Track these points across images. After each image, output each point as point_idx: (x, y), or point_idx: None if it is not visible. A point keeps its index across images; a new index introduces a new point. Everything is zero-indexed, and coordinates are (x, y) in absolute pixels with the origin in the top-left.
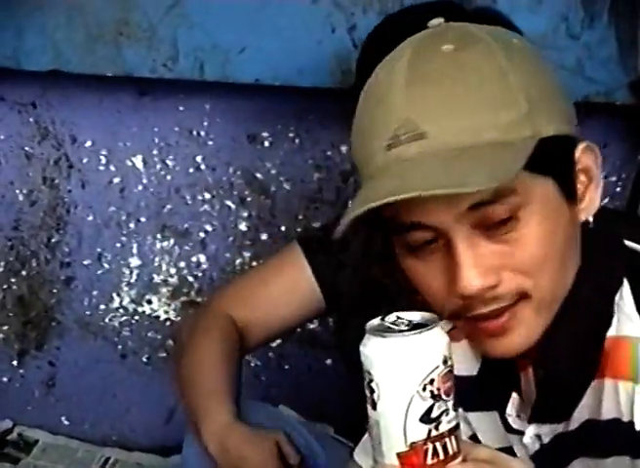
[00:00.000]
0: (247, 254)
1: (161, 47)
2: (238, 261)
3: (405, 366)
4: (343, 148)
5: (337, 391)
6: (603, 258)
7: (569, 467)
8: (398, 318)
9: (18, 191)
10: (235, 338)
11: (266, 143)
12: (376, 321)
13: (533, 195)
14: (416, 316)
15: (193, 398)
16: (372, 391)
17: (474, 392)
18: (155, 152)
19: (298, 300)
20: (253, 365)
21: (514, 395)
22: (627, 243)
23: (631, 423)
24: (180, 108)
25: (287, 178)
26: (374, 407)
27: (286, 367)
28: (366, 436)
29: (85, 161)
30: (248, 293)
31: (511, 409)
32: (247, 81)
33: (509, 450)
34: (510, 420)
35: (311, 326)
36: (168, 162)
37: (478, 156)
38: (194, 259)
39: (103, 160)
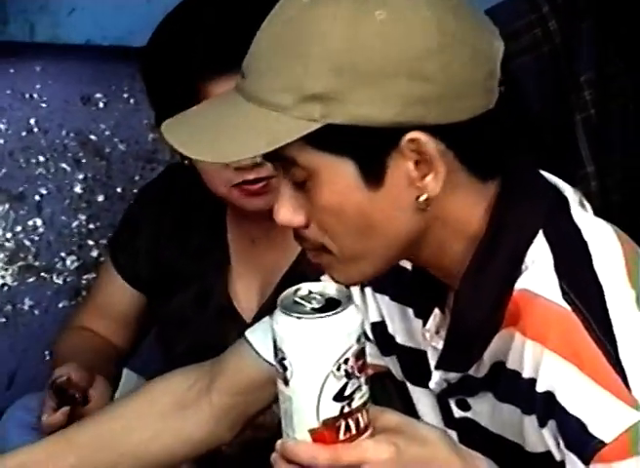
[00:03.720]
0: (83, 217)
1: None
2: (75, 224)
3: (320, 347)
4: None
5: None
6: (522, 206)
7: (475, 397)
8: (310, 292)
9: None
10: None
11: (100, 104)
12: (287, 295)
13: (322, 169)
14: (329, 289)
15: None
16: (284, 368)
17: (404, 286)
18: None
19: (127, 298)
20: None
21: (436, 311)
22: (551, 178)
23: (531, 381)
24: (12, 71)
25: (122, 140)
26: (286, 383)
27: None
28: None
29: None
30: (93, 305)
31: (431, 325)
32: (78, 42)
33: (423, 353)
34: (428, 336)
35: None
36: (1, 126)
37: (250, 121)
38: (30, 223)
39: None
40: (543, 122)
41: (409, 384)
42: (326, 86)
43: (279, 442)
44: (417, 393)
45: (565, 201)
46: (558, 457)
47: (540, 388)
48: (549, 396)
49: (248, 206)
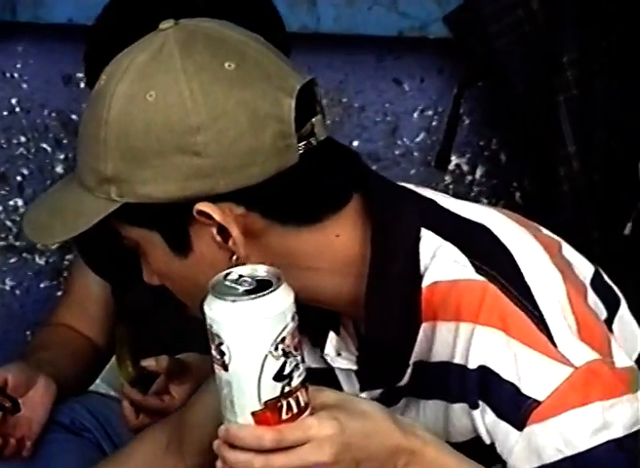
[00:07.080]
0: None
1: None
2: None
3: (257, 328)
4: None
5: None
6: (394, 217)
7: (399, 404)
8: (240, 276)
9: None
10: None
11: (82, 85)
12: (218, 280)
13: (140, 241)
14: (259, 270)
15: None
16: (222, 353)
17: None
18: None
19: (99, 291)
20: None
21: (332, 334)
22: (411, 188)
23: (461, 364)
24: None
25: None
26: (225, 368)
27: None
28: None
29: None
30: (69, 300)
31: (329, 349)
32: (59, 21)
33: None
34: (329, 360)
35: None
36: None
37: (71, 202)
38: (12, 203)
39: None
40: (527, 102)
41: None
42: (114, 169)
43: (222, 428)
44: None
45: (428, 198)
46: (487, 440)
47: (472, 365)
48: (483, 369)
49: None
